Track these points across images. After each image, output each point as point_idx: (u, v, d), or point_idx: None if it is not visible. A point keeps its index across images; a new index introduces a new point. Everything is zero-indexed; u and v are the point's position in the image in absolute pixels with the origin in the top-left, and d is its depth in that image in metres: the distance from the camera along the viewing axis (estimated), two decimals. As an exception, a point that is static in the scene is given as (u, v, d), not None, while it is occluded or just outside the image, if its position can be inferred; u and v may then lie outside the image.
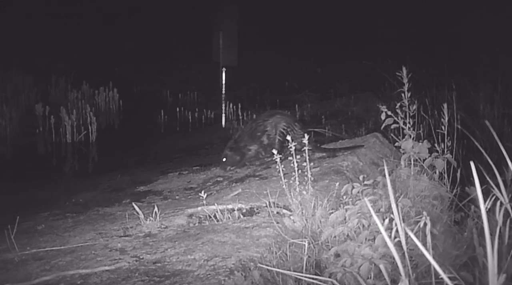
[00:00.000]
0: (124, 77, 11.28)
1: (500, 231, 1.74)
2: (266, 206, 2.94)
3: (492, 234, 1.26)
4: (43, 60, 12.34)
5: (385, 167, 1.48)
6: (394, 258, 1.37)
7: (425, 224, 1.79)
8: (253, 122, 4.33)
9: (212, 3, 10.62)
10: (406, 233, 1.45)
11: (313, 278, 1.84)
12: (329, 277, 1.94)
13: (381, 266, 1.54)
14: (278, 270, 2.25)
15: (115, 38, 14.66)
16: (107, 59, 13.17)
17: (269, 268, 2.25)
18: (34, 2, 14.16)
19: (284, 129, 4.20)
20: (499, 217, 1.55)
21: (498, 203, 1.57)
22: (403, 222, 2.24)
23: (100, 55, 13.46)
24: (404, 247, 1.45)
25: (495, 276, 1.26)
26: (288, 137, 2.79)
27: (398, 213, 1.47)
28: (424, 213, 1.76)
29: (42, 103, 7.27)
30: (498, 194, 1.55)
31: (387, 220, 1.99)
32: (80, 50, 13.62)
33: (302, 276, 1.99)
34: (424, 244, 1.82)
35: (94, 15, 15.16)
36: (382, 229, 1.32)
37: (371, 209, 1.36)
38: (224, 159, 4.26)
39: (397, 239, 1.61)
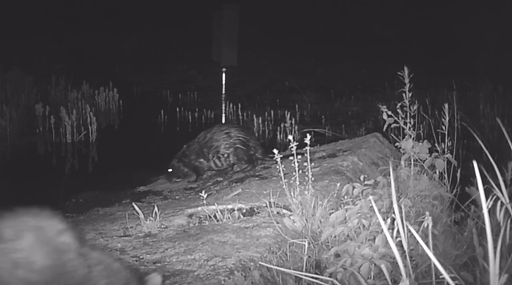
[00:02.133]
0: (124, 77, 11.27)
1: (500, 231, 1.74)
2: (266, 206, 2.94)
3: (492, 234, 1.26)
4: (43, 60, 12.33)
5: (390, 167, 1.48)
6: (394, 258, 1.37)
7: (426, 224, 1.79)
8: (207, 133, 4.10)
9: (212, 2, 10.62)
10: (406, 233, 1.45)
11: (313, 278, 1.84)
12: (329, 277, 1.94)
13: (382, 266, 1.54)
14: (278, 268, 2.25)
15: (115, 38, 14.66)
16: (107, 59, 13.17)
17: (269, 266, 2.25)
18: (34, 2, 14.17)
19: (244, 138, 4.05)
20: (500, 217, 1.55)
21: (499, 203, 1.56)
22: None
23: (100, 55, 13.45)
24: (405, 247, 1.45)
25: (496, 276, 1.26)
26: (290, 137, 2.79)
27: (400, 213, 1.47)
28: (427, 213, 1.76)
29: (42, 103, 7.25)
30: (499, 194, 1.55)
31: (388, 220, 1.99)
32: (80, 50, 13.61)
33: (302, 275, 1.99)
34: (425, 244, 1.82)
35: (94, 15, 15.16)
36: (385, 228, 1.32)
37: (375, 207, 1.36)
38: (170, 170, 4.09)
39: (398, 239, 1.61)
